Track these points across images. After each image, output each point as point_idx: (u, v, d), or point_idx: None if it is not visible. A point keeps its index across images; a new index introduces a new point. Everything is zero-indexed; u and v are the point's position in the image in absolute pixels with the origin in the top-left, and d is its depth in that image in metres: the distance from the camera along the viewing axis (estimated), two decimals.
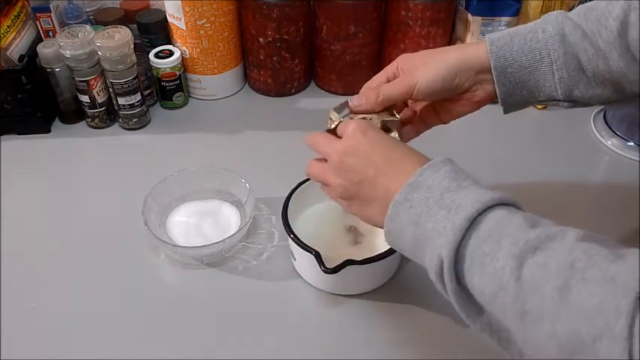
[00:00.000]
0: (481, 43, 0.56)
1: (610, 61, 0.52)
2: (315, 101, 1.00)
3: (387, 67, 0.60)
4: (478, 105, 0.59)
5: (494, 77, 0.56)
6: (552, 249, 0.38)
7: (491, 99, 0.58)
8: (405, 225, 0.45)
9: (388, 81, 0.60)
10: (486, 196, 0.42)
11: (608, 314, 0.33)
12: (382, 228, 0.48)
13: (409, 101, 0.63)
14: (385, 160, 0.49)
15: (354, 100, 0.58)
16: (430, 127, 0.64)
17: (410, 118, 0.64)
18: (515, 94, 0.57)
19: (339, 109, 0.60)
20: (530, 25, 0.56)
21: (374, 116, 0.58)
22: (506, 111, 0.59)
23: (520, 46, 0.55)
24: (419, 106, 0.63)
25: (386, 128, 0.58)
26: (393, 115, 0.60)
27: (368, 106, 0.57)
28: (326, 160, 0.54)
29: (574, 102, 0.56)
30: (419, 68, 0.57)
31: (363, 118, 0.57)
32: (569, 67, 0.54)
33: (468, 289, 0.42)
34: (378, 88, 0.58)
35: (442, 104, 0.61)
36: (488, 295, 0.40)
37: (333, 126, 0.58)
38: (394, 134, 0.58)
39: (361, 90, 0.60)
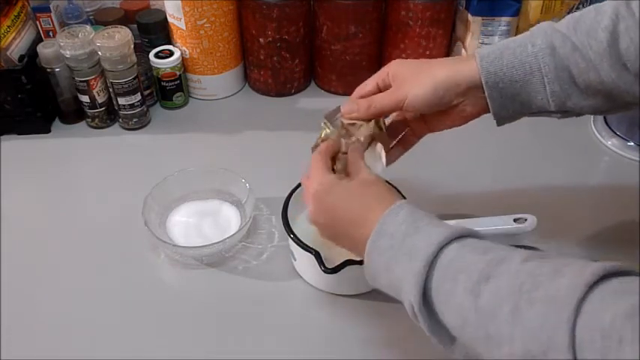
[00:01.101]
0: (471, 59, 0.57)
1: (601, 72, 0.52)
2: (315, 101, 1.00)
3: (379, 72, 0.61)
4: (466, 120, 0.60)
5: (485, 92, 0.56)
6: (501, 274, 0.41)
7: (480, 114, 0.59)
8: (378, 271, 0.49)
9: (379, 87, 0.61)
10: (439, 236, 0.45)
11: (551, 329, 0.36)
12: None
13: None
14: (352, 211, 0.52)
15: (346, 107, 0.60)
16: (419, 139, 0.65)
17: (401, 125, 0.65)
18: (507, 107, 0.57)
19: (330, 116, 0.61)
20: (519, 39, 0.56)
21: (364, 124, 0.59)
22: (499, 123, 0.60)
23: (510, 60, 0.55)
24: (409, 115, 0.64)
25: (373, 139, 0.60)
26: (381, 127, 0.61)
27: (359, 115, 0.59)
28: None
29: (566, 112, 0.57)
30: (408, 82, 0.58)
31: (353, 124, 0.60)
32: (560, 80, 0.54)
33: (443, 323, 0.45)
34: (370, 98, 0.59)
35: (431, 116, 0.62)
36: (457, 327, 0.43)
37: (322, 136, 0.61)
38: (379, 147, 0.61)
39: (352, 95, 0.62)
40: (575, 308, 0.35)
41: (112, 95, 0.91)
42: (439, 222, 0.48)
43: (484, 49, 0.56)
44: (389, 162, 0.63)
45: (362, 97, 0.61)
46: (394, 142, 0.65)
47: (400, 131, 0.65)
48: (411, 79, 0.58)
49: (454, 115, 0.59)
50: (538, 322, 0.37)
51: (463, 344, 0.44)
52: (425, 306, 0.45)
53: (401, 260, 0.46)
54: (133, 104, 0.91)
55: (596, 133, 0.91)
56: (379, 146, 0.61)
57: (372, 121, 0.60)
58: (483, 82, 0.55)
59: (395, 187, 0.63)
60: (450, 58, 0.59)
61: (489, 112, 0.58)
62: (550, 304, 0.37)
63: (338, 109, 0.61)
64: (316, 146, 0.62)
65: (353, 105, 0.60)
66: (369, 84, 0.61)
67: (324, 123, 0.61)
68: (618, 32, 0.51)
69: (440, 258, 0.44)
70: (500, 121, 0.59)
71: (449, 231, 0.45)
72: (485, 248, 0.44)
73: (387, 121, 0.64)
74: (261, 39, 0.94)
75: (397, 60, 0.61)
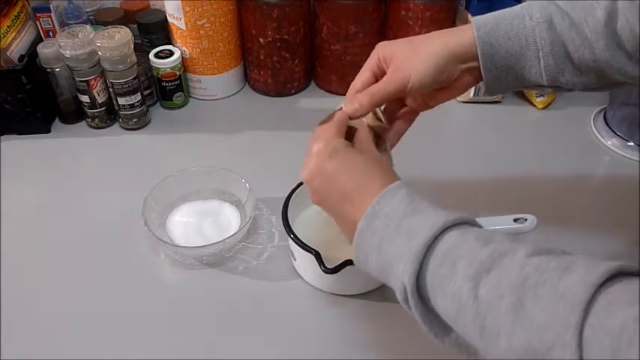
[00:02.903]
0: (465, 29, 0.56)
1: (596, 50, 0.52)
2: (315, 101, 1.00)
3: (369, 60, 0.59)
4: (462, 90, 0.59)
5: (480, 63, 0.55)
6: (504, 266, 0.40)
7: (475, 83, 0.59)
8: (369, 251, 0.47)
9: (375, 74, 0.59)
10: (440, 219, 0.44)
11: (558, 327, 0.35)
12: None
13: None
14: (348, 185, 0.50)
15: (348, 109, 0.57)
16: (417, 114, 0.64)
17: (398, 107, 0.64)
18: (501, 79, 0.57)
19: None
20: (516, 10, 0.55)
21: (362, 119, 0.58)
22: (490, 93, 0.59)
23: (507, 32, 0.54)
24: (411, 100, 0.63)
25: (375, 134, 0.58)
26: (380, 118, 0.60)
27: (363, 111, 0.57)
28: None
29: (558, 88, 0.57)
30: (407, 63, 0.56)
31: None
32: (555, 55, 0.54)
33: (434, 310, 0.43)
34: (369, 90, 0.57)
35: (429, 93, 0.60)
36: (451, 314, 0.42)
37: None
38: (384, 145, 0.59)
39: (348, 92, 0.59)
40: (584, 308, 0.35)
41: (112, 95, 0.91)
42: (439, 207, 0.46)
43: (480, 19, 0.56)
44: (391, 144, 0.62)
45: (359, 91, 0.58)
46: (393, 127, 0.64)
47: (396, 113, 0.64)
48: (408, 59, 0.56)
49: (452, 88, 0.59)
50: (544, 318, 0.36)
51: (455, 334, 0.43)
52: (418, 290, 0.43)
53: (396, 239, 0.45)
54: (133, 104, 0.91)
55: (596, 133, 0.91)
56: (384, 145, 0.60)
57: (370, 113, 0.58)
58: (479, 53, 0.55)
59: None
60: (442, 30, 0.58)
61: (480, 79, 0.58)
62: (558, 302, 0.36)
63: (332, 115, 0.58)
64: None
65: (354, 104, 0.56)
66: (363, 74, 0.59)
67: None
68: (616, 11, 0.51)
69: (439, 242, 0.43)
70: (492, 92, 0.59)
71: (451, 216, 0.44)
72: (487, 238, 0.43)
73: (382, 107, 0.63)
74: (261, 39, 0.94)
75: (382, 43, 0.59)
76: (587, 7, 0.53)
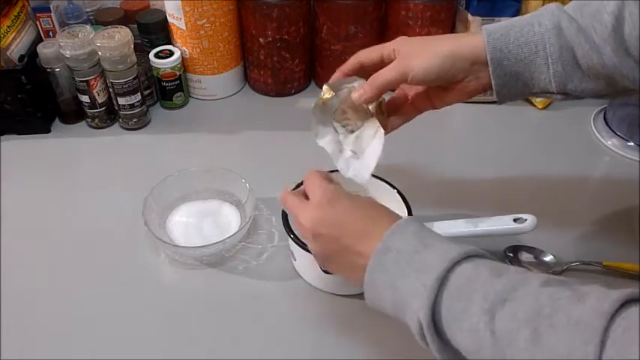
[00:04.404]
0: (477, 35, 0.57)
1: (604, 56, 0.52)
2: (315, 101, 1.00)
3: (385, 45, 0.61)
4: (469, 95, 0.60)
5: (490, 69, 0.56)
6: (518, 298, 0.40)
7: (484, 89, 0.59)
8: (381, 289, 0.48)
9: (382, 60, 0.61)
10: (452, 252, 0.44)
11: (578, 356, 0.35)
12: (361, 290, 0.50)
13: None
14: (357, 226, 0.51)
15: (355, 96, 0.60)
16: (421, 113, 0.64)
17: (401, 102, 0.65)
18: (510, 85, 0.57)
19: (335, 86, 0.62)
20: (526, 18, 0.56)
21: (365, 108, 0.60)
22: (500, 102, 0.60)
23: (517, 38, 0.55)
24: (412, 91, 0.64)
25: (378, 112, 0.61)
26: (383, 111, 0.62)
27: (368, 97, 0.59)
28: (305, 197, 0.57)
29: (567, 95, 0.57)
30: (413, 55, 0.58)
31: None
32: (564, 61, 0.54)
33: (451, 343, 0.43)
34: (374, 76, 0.59)
35: (435, 91, 0.61)
36: (470, 349, 0.42)
37: (322, 97, 0.62)
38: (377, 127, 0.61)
39: (354, 57, 0.62)
40: (601, 339, 0.35)
41: (112, 95, 0.91)
42: (449, 240, 0.47)
43: (491, 26, 0.57)
44: (387, 131, 0.62)
45: (362, 63, 0.61)
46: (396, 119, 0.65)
47: (400, 107, 0.65)
48: (416, 52, 0.58)
49: (458, 90, 0.59)
50: (562, 348, 0.36)
51: None
52: (434, 328, 0.43)
53: (409, 275, 0.45)
54: (133, 104, 0.91)
55: (596, 133, 0.91)
56: (377, 127, 0.61)
57: (374, 103, 0.61)
58: (489, 59, 0.55)
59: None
60: (455, 34, 0.59)
61: (492, 89, 0.58)
62: (574, 330, 0.36)
63: (343, 81, 0.61)
64: (315, 106, 0.62)
65: (359, 90, 0.60)
66: (372, 52, 0.61)
67: (327, 87, 0.62)
68: (623, 17, 0.51)
69: (453, 275, 0.43)
70: (502, 99, 0.59)
71: (462, 249, 0.44)
72: (500, 269, 0.43)
73: (387, 98, 0.65)
74: (261, 39, 0.94)
75: (403, 37, 0.61)
76: (595, 13, 0.53)
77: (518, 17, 0.57)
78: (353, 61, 0.62)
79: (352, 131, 0.64)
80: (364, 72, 0.62)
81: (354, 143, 0.63)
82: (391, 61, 0.60)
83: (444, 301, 0.43)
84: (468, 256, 0.44)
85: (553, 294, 0.39)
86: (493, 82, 0.57)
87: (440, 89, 0.60)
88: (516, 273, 0.42)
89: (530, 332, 0.37)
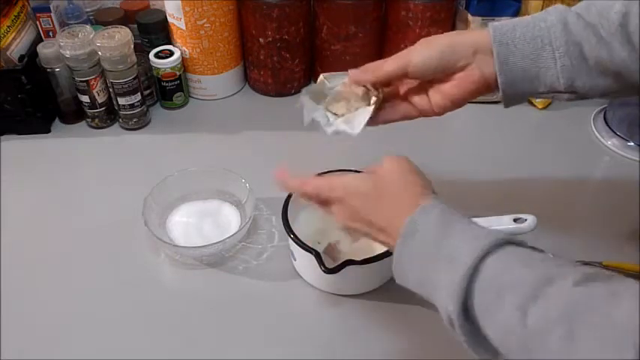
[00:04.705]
0: (483, 31, 0.57)
1: (612, 51, 0.52)
2: (307, 87, 1.00)
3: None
4: (472, 87, 0.58)
5: (496, 66, 0.55)
6: (551, 295, 0.39)
7: (487, 83, 0.57)
8: (407, 274, 0.48)
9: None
10: (480, 243, 0.43)
11: (614, 356, 0.35)
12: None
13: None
14: (383, 213, 0.51)
15: (353, 73, 0.60)
16: (419, 114, 0.62)
17: (393, 96, 0.63)
18: (517, 84, 0.56)
19: (332, 77, 0.62)
20: (532, 15, 0.56)
21: (360, 95, 0.60)
22: (506, 104, 0.59)
23: (523, 33, 0.55)
24: (405, 87, 0.62)
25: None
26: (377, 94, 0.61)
27: (363, 78, 0.60)
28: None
29: (574, 93, 0.56)
30: (414, 49, 0.58)
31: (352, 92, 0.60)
32: (571, 54, 0.53)
33: (482, 333, 0.43)
34: (375, 64, 0.59)
35: (434, 86, 0.60)
36: (501, 342, 0.42)
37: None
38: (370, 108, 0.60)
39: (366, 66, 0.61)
40: (638, 339, 0.34)
41: (112, 95, 0.91)
42: (475, 226, 0.46)
43: (497, 23, 0.56)
44: (376, 123, 0.62)
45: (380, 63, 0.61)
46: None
47: (394, 99, 0.64)
48: (418, 45, 0.58)
49: (458, 81, 0.58)
50: (597, 348, 0.36)
51: (503, 358, 0.42)
52: (465, 317, 0.43)
53: (436, 266, 0.45)
54: (133, 104, 0.91)
55: (596, 133, 0.91)
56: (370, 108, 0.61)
57: (372, 98, 0.60)
58: (495, 54, 0.55)
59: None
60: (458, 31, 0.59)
61: (495, 88, 0.57)
62: (610, 331, 0.36)
63: (340, 74, 0.62)
64: (306, 92, 0.63)
65: (359, 71, 0.60)
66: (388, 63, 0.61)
67: (323, 77, 0.62)
68: (629, 13, 0.51)
69: (482, 269, 0.42)
70: (508, 100, 0.58)
71: (491, 239, 0.43)
72: (530, 260, 0.42)
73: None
74: (261, 39, 0.94)
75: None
76: (602, 11, 0.53)
77: (524, 16, 0.57)
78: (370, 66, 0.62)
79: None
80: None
81: (343, 122, 0.62)
82: None
83: (474, 293, 0.42)
84: (497, 244, 0.43)
85: (587, 293, 0.38)
86: (499, 79, 0.56)
87: (439, 82, 0.59)
88: (548, 265, 0.41)
89: (563, 331, 0.37)
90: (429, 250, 0.46)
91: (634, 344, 0.34)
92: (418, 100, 0.62)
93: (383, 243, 0.52)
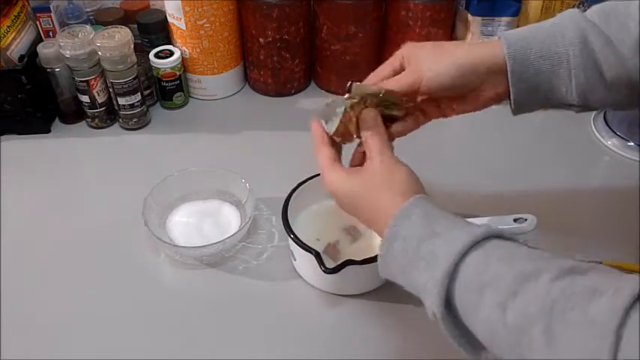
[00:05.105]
0: (495, 43, 0.55)
1: (630, 67, 0.51)
2: (315, 101, 1.00)
3: (391, 59, 0.59)
4: (483, 105, 0.58)
5: (510, 80, 0.54)
6: (530, 291, 0.39)
7: (499, 99, 0.57)
8: (394, 275, 0.49)
9: (395, 73, 0.58)
10: (459, 242, 0.43)
11: (592, 354, 0.35)
12: None
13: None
14: (366, 211, 0.52)
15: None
16: (430, 120, 0.62)
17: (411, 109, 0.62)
18: (529, 97, 0.56)
19: (334, 106, 0.57)
20: (547, 28, 0.54)
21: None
22: (515, 113, 0.58)
23: (539, 50, 0.53)
24: (422, 97, 0.61)
25: (385, 116, 0.57)
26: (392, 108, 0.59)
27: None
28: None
29: (586, 107, 0.55)
30: (426, 62, 0.55)
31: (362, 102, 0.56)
32: (587, 73, 0.52)
33: (468, 330, 0.43)
34: (385, 82, 0.57)
35: (446, 100, 0.59)
36: (487, 338, 0.42)
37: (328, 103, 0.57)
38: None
39: (366, 80, 0.60)
40: (615, 336, 0.34)
41: (112, 95, 0.91)
42: (457, 222, 0.46)
43: (510, 35, 0.55)
44: (392, 138, 0.60)
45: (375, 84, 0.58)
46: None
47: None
48: (429, 59, 0.55)
49: (471, 99, 0.57)
50: (576, 345, 0.36)
51: (486, 353, 0.43)
52: (448, 313, 0.43)
53: (418, 266, 0.45)
54: (133, 104, 0.91)
55: (596, 133, 0.91)
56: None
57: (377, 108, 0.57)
58: (509, 70, 0.54)
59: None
60: (465, 42, 0.56)
61: (506, 99, 0.56)
62: (588, 328, 0.36)
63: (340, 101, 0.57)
64: (327, 105, 0.58)
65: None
66: (384, 69, 0.59)
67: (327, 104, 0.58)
68: None
69: (461, 268, 0.42)
70: (518, 110, 0.58)
71: (469, 236, 0.43)
72: (510, 256, 0.42)
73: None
74: (261, 39, 0.94)
75: (410, 42, 0.59)
76: (622, 24, 0.51)
77: (537, 25, 0.55)
78: (368, 83, 0.59)
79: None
80: None
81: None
82: (403, 69, 0.58)
83: (456, 294, 0.43)
84: (475, 243, 0.43)
85: (566, 288, 0.38)
86: (512, 94, 0.55)
87: (452, 98, 0.58)
88: (528, 260, 0.41)
89: (543, 328, 0.37)
90: (408, 255, 0.46)
91: (610, 347, 0.34)
92: (428, 107, 0.61)
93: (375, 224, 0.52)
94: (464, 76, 0.55)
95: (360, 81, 0.59)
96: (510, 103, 0.57)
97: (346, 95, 0.55)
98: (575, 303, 0.37)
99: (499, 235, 0.44)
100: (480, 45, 0.57)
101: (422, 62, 0.56)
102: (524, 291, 0.39)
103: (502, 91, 0.56)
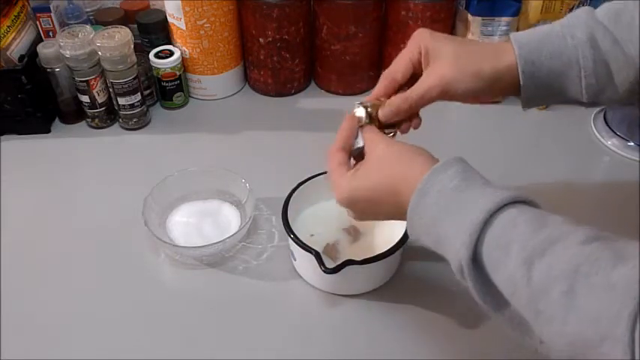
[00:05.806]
0: (507, 48, 0.55)
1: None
2: (315, 101, 1.00)
3: (407, 49, 0.59)
4: (492, 99, 0.59)
5: (521, 81, 0.55)
6: (557, 253, 0.40)
7: (507, 95, 0.59)
8: (422, 229, 0.48)
9: (413, 65, 0.58)
10: (496, 196, 0.44)
11: (610, 319, 0.35)
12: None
13: None
14: (394, 178, 0.51)
15: (385, 112, 0.57)
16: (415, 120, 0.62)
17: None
18: (539, 96, 0.57)
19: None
20: (556, 29, 0.55)
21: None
22: (525, 108, 0.59)
23: (549, 51, 0.54)
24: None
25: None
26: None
27: (400, 117, 0.58)
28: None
29: (595, 104, 0.56)
30: (450, 71, 0.55)
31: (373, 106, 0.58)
32: (598, 74, 0.53)
33: (492, 284, 0.43)
34: (406, 96, 0.57)
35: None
36: (507, 293, 0.42)
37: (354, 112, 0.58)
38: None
39: (383, 76, 0.59)
40: (637, 303, 0.34)
41: (112, 95, 0.91)
42: (491, 183, 0.47)
43: (522, 36, 0.55)
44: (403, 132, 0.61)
45: (395, 79, 0.59)
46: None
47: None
48: (453, 67, 0.55)
49: (482, 99, 0.59)
50: (596, 308, 0.36)
51: (509, 311, 0.43)
52: (474, 266, 0.43)
53: (450, 214, 0.45)
54: (133, 104, 0.91)
55: (596, 133, 0.91)
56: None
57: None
58: (520, 71, 0.54)
59: None
60: (485, 43, 0.56)
61: (516, 94, 0.57)
62: (610, 293, 0.36)
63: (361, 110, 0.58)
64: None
65: (392, 108, 0.57)
66: (402, 63, 0.59)
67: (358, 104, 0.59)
68: None
69: (495, 220, 0.43)
70: (527, 105, 0.58)
71: (508, 194, 0.44)
72: (541, 222, 0.42)
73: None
74: (261, 39, 0.94)
75: (425, 30, 0.58)
76: (631, 24, 0.52)
77: (548, 26, 0.56)
78: (384, 82, 0.59)
79: None
80: (401, 88, 0.59)
81: None
82: (420, 62, 0.58)
83: (484, 247, 0.43)
84: (513, 201, 0.44)
85: (592, 253, 0.38)
86: (522, 92, 0.56)
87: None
88: (558, 226, 0.42)
89: (565, 288, 0.37)
90: (440, 204, 0.46)
91: (629, 315, 0.34)
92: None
93: (396, 211, 0.51)
94: (489, 87, 0.56)
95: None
96: (521, 100, 0.58)
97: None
98: (599, 267, 0.37)
99: (532, 202, 0.45)
100: (498, 52, 0.56)
101: (445, 68, 0.56)
102: (552, 252, 0.40)
103: (512, 92, 0.57)
